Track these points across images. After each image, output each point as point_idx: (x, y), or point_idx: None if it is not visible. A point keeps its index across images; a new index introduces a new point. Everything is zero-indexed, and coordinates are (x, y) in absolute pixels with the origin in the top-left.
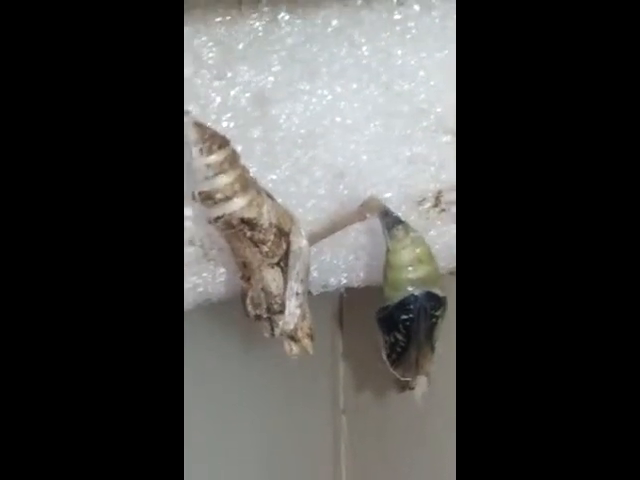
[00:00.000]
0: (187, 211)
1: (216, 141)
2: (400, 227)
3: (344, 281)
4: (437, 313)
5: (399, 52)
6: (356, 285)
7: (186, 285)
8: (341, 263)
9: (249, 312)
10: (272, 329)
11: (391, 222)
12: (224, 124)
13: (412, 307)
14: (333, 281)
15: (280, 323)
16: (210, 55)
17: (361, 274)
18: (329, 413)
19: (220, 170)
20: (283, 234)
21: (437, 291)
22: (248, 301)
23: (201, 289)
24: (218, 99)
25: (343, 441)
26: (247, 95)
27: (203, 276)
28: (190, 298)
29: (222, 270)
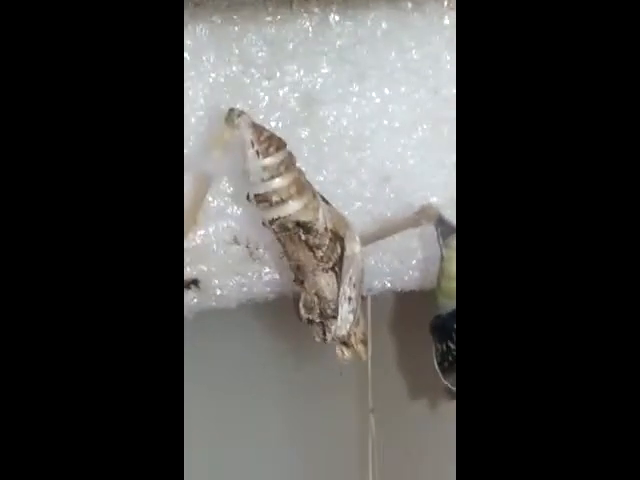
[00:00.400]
0: (231, 210)
1: (273, 143)
2: (455, 236)
3: (388, 285)
4: None
5: (448, 57)
6: (399, 289)
7: (230, 284)
8: (386, 267)
9: (302, 316)
10: (324, 334)
11: (446, 231)
12: (272, 124)
13: None
14: (377, 284)
15: (333, 328)
16: (259, 54)
17: (405, 278)
18: (357, 412)
19: (277, 173)
20: (338, 239)
21: None
22: (301, 305)
23: (245, 289)
24: (266, 99)
25: (371, 441)
26: (296, 95)
27: (248, 275)
28: (234, 297)
29: (267, 270)
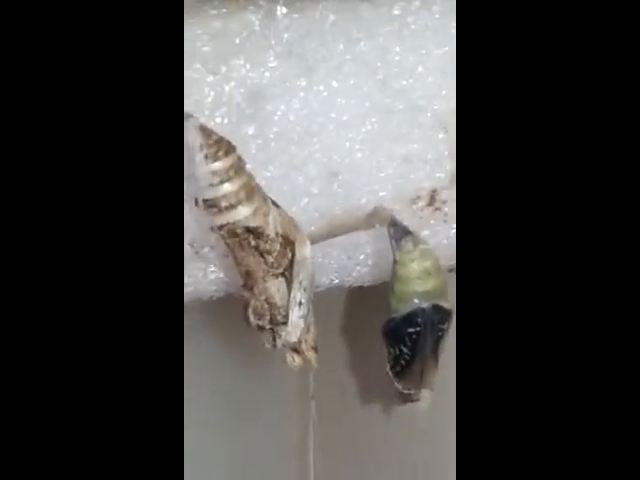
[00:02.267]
0: None
1: (222, 147)
2: (409, 238)
3: (335, 281)
4: (444, 326)
5: (397, 48)
6: (347, 285)
7: None
8: (333, 262)
9: (251, 322)
10: (274, 340)
11: (400, 233)
12: (217, 120)
13: (419, 320)
14: (325, 280)
15: (283, 334)
16: (205, 49)
17: (354, 274)
18: (298, 399)
19: (226, 177)
20: (288, 243)
21: (444, 304)
22: (250, 311)
23: (191, 288)
24: (212, 94)
25: (312, 427)
26: (242, 91)
27: (193, 274)
28: None
29: (212, 269)
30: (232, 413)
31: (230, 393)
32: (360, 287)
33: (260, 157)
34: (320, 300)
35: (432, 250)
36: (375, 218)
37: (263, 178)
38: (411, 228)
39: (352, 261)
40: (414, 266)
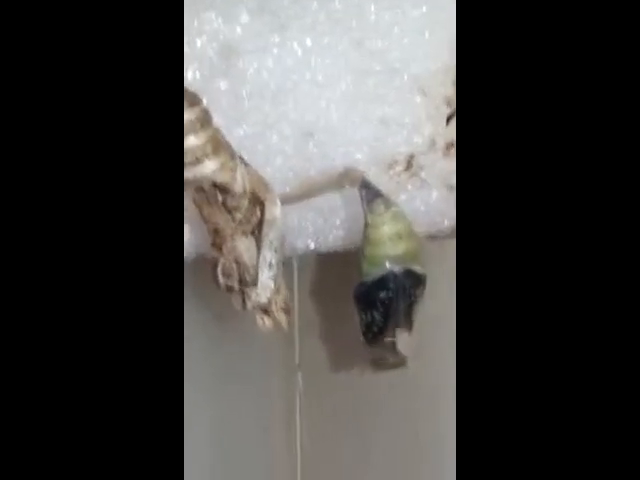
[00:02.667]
0: None
1: (187, 98)
2: (380, 201)
3: (312, 245)
4: (416, 291)
5: (372, 7)
6: (325, 250)
7: None
8: (309, 226)
9: (220, 283)
10: (244, 302)
11: (371, 195)
12: (189, 74)
13: (391, 285)
14: (301, 245)
15: (252, 295)
16: None
17: (330, 238)
18: (284, 368)
19: (191, 130)
20: (258, 201)
21: (417, 268)
22: (219, 271)
23: None
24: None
25: (298, 397)
26: (214, 45)
27: None
28: None
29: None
30: (215, 383)
31: (213, 363)
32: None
33: (232, 114)
34: (306, 266)
35: (404, 213)
36: (346, 179)
37: (236, 137)
38: (387, 193)
39: (328, 224)
40: (385, 229)
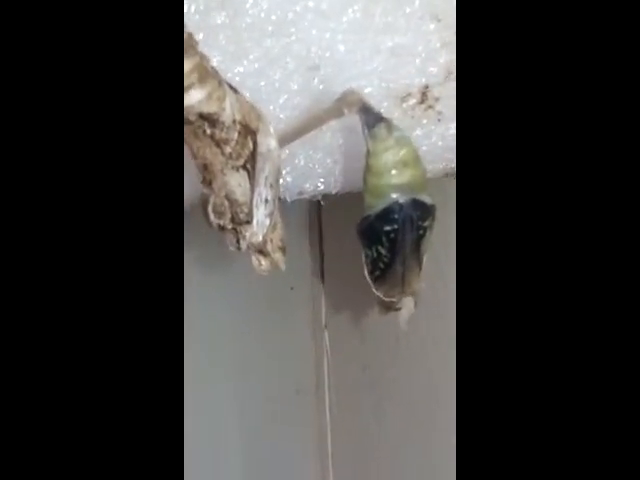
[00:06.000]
0: None
1: None
2: (382, 125)
3: (321, 187)
4: (425, 224)
5: None
6: (334, 191)
7: None
8: (317, 167)
9: (211, 222)
10: (238, 241)
11: (372, 120)
12: (184, 8)
13: (396, 217)
14: (309, 187)
15: (247, 234)
16: None
17: (340, 178)
18: (311, 329)
19: None
20: (249, 132)
21: (425, 198)
22: (210, 209)
23: None
24: None
25: (325, 357)
26: None
27: None
28: None
29: None
30: (243, 347)
31: (239, 330)
32: None
33: (231, 50)
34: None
35: (409, 138)
36: (344, 103)
37: (236, 73)
38: (402, 128)
39: (338, 165)
40: (388, 156)
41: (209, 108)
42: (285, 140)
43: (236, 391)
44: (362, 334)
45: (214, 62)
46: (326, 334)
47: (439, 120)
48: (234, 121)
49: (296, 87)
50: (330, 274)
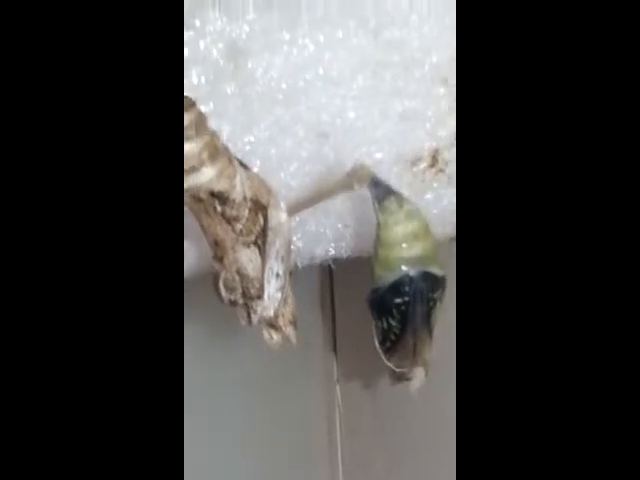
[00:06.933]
0: None
1: None
2: (392, 199)
3: (332, 251)
4: (435, 295)
5: None
6: (345, 256)
7: None
8: (328, 232)
9: (223, 297)
10: (249, 316)
11: (382, 193)
12: (194, 79)
13: (407, 289)
14: (320, 252)
15: (258, 309)
16: None
17: (351, 243)
18: (323, 383)
19: (185, 136)
20: (260, 208)
21: (435, 270)
22: (221, 285)
23: None
24: (186, 51)
25: (337, 411)
26: (219, 46)
27: None
28: None
29: (187, 245)
30: (255, 398)
31: (253, 380)
32: None
33: (242, 119)
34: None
35: (419, 211)
36: (354, 178)
37: (247, 142)
38: (412, 192)
39: (349, 229)
40: (399, 229)
41: (220, 186)
42: (296, 209)
43: (249, 438)
44: (376, 389)
45: (224, 132)
46: (338, 389)
47: (449, 184)
48: (244, 198)
49: (306, 154)
50: (342, 330)
